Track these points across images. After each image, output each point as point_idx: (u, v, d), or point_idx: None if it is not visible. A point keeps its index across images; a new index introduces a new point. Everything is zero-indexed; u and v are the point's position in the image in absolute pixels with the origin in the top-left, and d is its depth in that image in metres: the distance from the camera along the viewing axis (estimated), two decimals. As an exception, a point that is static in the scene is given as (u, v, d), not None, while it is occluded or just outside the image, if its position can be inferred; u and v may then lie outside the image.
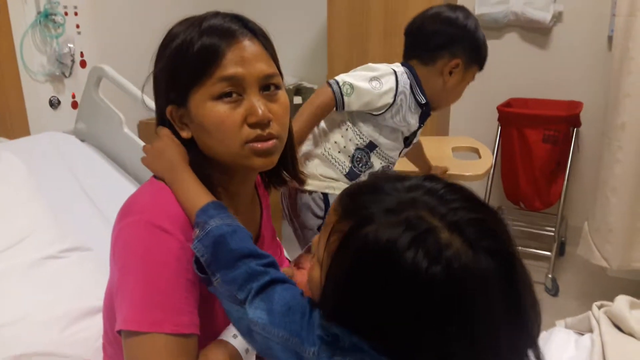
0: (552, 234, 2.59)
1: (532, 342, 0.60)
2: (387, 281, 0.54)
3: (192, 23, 0.80)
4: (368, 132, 1.47)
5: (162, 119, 0.86)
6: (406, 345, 0.55)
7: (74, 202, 1.48)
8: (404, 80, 1.44)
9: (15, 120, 2.03)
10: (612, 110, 2.08)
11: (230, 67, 0.77)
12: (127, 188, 1.59)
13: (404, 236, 0.53)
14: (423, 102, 1.49)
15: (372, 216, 0.56)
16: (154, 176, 0.86)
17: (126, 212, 0.80)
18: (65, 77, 2.19)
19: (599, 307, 1.28)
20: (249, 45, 0.79)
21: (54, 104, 2.16)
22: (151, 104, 0.90)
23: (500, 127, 2.67)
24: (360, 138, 1.48)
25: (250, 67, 0.78)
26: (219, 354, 0.79)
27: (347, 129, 1.48)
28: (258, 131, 0.79)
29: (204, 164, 0.83)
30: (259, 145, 0.79)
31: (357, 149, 1.49)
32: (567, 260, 2.79)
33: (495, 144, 2.67)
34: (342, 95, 1.39)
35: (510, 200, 2.77)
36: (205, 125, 0.79)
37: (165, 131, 0.85)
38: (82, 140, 1.74)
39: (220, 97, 0.78)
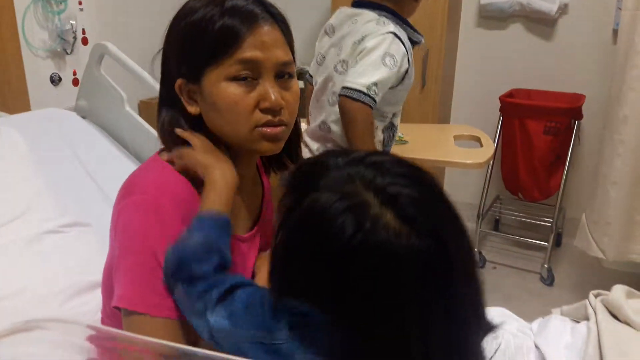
0: (550, 224, 2.60)
1: (469, 329, 0.60)
2: (319, 248, 0.56)
3: (213, 0, 0.79)
4: (389, 110, 1.48)
5: (166, 94, 0.85)
6: (346, 315, 0.56)
7: (74, 179, 1.48)
8: (402, 34, 1.44)
9: (16, 95, 2.03)
10: (615, 104, 2.08)
11: (250, 50, 0.77)
12: (127, 166, 1.59)
13: (337, 206, 0.55)
14: (420, 39, 1.51)
15: (313, 189, 0.58)
16: (159, 153, 0.86)
17: (129, 190, 0.80)
18: (67, 53, 2.17)
19: (596, 296, 1.28)
20: (270, 31, 0.79)
21: (55, 80, 2.15)
22: (156, 84, 0.89)
23: (501, 117, 2.67)
24: (383, 121, 1.49)
25: (268, 53, 0.78)
26: None
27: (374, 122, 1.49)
28: (269, 117, 0.79)
29: (211, 142, 0.83)
30: (268, 130, 0.79)
31: (383, 130, 1.51)
32: (564, 251, 2.80)
33: (496, 134, 2.67)
34: (374, 100, 1.38)
35: (509, 190, 2.77)
36: (217, 105, 0.79)
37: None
38: (83, 117, 1.73)
39: (235, 78, 0.78)
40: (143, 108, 2.43)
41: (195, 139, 0.82)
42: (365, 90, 1.38)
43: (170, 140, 0.84)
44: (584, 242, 2.23)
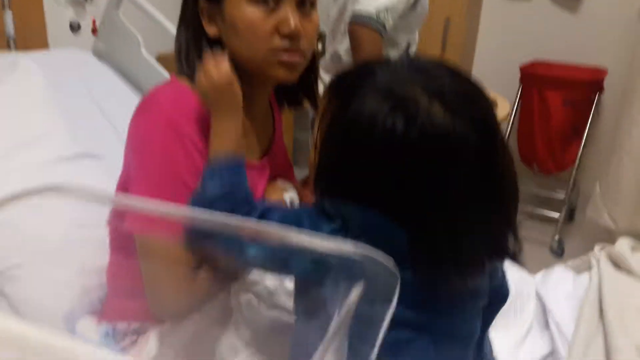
0: (563, 197, 2.57)
1: (508, 221, 0.61)
2: (370, 147, 0.57)
3: None
4: (402, 38, 1.46)
5: (187, 15, 0.85)
6: (396, 209, 0.57)
7: (88, 115, 1.50)
8: None
9: (36, 41, 2.05)
10: (636, 74, 2.04)
11: None
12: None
13: (386, 105, 0.56)
14: None
15: (358, 92, 0.59)
16: (175, 74, 0.86)
17: (147, 106, 0.82)
18: (86, 1, 2.19)
19: (601, 249, 1.28)
20: None
21: (75, 27, 2.17)
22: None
23: (521, 87, 2.64)
24: (397, 49, 1.48)
25: None
26: None
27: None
28: (287, 43, 0.79)
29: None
30: (285, 56, 0.80)
31: None
32: (576, 226, 2.78)
33: (514, 104, 2.64)
34: (384, 26, 1.37)
35: (524, 161, 2.75)
36: (237, 26, 0.79)
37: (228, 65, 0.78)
38: (100, 59, 1.75)
39: (257, 1, 0.78)
40: (161, 61, 2.43)
41: (212, 68, 0.77)
42: (374, 15, 1.36)
43: (186, 61, 0.85)
44: (595, 212, 2.21)
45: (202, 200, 0.70)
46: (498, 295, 0.73)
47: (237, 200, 0.69)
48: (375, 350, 0.39)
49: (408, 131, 0.55)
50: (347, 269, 0.43)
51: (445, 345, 0.62)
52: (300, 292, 0.67)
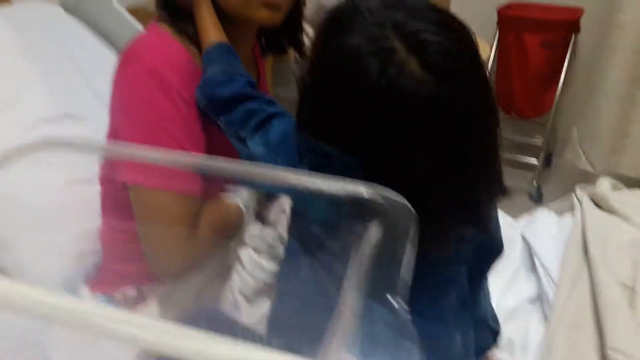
0: (540, 143, 2.61)
1: (484, 182, 0.62)
2: (346, 89, 0.57)
3: None
4: None
5: None
6: (359, 152, 0.58)
7: (63, 71, 1.44)
8: None
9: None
10: (614, 10, 2.03)
11: None
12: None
13: (365, 49, 0.55)
14: None
15: (343, 32, 0.58)
16: (156, 22, 0.84)
17: (129, 57, 0.80)
18: (50, -49, 2.07)
19: (582, 189, 1.31)
20: None
21: (38, -21, 2.05)
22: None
23: (498, 31, 2.62)
24: None
25: None
26: (222, 206, 0.81)
27: None
28: None
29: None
30: None
31: None
32: (554, 171, 2.83)
33: (491, 49, 2.63)
34: None
35: (503, 108, 2.76)
36: None
37: None
38: (68, 12, 1.67)
39: None
40: (133, 14, 2.34)
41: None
42: None
43: (165, 6, 0.83)
44: (573, 155, 2.25)
45: (207, 87, 0.75)
46: (493, 248, 0.74)
47: (241, 83, 0.74)
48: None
49: (379, 79, 0.54)
50: (360, 210, 0.43)
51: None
52: (299, 227, 0.67)
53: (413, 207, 0.56)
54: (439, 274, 0.65)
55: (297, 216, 0.69)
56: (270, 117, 0.70)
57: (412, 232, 0.41)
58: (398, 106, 0.55)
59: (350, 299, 0.32)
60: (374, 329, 0.42)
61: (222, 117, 0.74)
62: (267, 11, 0.79)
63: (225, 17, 0.82)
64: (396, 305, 0.41)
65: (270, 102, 0.74)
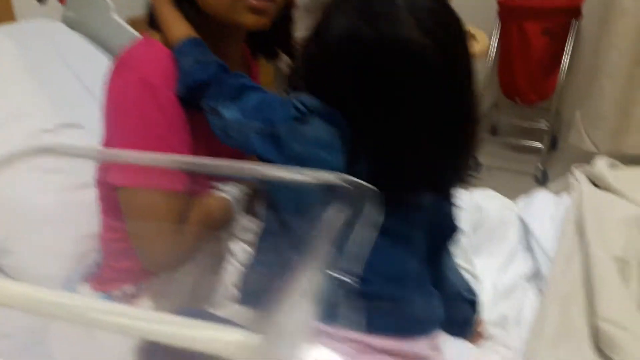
0: (545, 127, 2.61)
1: (462, 145, 0.66)
2: (344, 51, 0.63)
3: None
4: None
5: None
6: (348, 105, 0.63)
7: (65, 84, 1.49)
8: None
9: (1, 15, 1.99)
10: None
11: None
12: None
13: (360, 17, 0.63)
14: None
15: (336, 9, 0.65)
16: (145, 30, 0.87)
17: (119, 65, 0.82)
18: (51, -31, 2.12)
19: (578, 168, 1.32)
20: None
21: (41, -3, 2.11)
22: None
23: (499, 20, 2.63)
24: None
25: None
26: (211, 200, 0.83)
27: None
28: None
29: (196, 18, 0.83)
30: (254, 0, 0.78)
31: None
32: (559, 154, 2.82)
33: (492, 39, 2.63)
34: None
35: (506, 94, 2.76)
36: None
37: None
38: (71, 28, 1.73)
39: None
40: (133, 25, 2.39)
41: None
42: None
43: (151, 17, 0.85)
44: (577, 138, 2.25)
45: (185, 78, 0.77)
46: (447, 225, 0.76)
47: (216, 67, 0.77)
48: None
49: (369, 33, 0.61)
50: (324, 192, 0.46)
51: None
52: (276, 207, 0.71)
53: (387, 163, 0.61)
54: (396, 231, 0.68)
55: (269, 201, 0.72)
56: (246, 88, 0.73)
57: (368, 210, 0.44)
58: (388, 59, 0.61)
59: (307, 269, 0.35)
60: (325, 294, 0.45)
61: (201, 100, 0.75)
62: (253, 16, 0.80)
63: (212, 21, 0.83)
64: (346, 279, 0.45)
65: (245, 78, 0.77)
